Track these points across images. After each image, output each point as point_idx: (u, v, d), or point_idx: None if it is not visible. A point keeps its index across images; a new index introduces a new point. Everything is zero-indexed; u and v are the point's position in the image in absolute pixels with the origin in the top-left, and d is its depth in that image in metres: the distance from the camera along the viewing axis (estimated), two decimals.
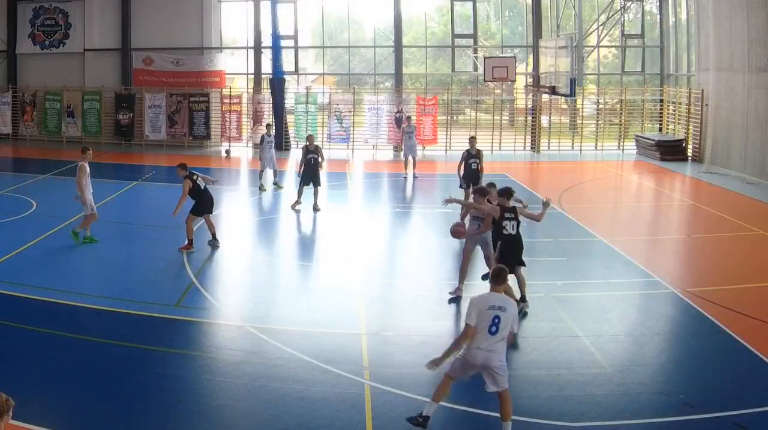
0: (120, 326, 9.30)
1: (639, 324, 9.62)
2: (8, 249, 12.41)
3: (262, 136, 19.20)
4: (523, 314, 9.59)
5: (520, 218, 9.92)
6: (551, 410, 7.19)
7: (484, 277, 10.78)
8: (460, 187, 15.81)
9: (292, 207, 16.02)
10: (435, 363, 6.59)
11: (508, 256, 9.60)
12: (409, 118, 23.02)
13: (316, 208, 15.83)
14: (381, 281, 11.66)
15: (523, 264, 9.91)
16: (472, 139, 16.22)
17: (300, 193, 16.16)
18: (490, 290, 6.71)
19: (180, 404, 7.28)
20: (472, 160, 15.61)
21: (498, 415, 6.70)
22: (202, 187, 12.88)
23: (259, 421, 7.18)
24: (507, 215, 9.75)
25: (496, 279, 6.72)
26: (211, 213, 13.12)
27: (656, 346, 8.98)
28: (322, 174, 16.44)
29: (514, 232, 9.77)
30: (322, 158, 16.39)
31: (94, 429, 6.83)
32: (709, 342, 9.06)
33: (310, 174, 16.05)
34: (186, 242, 12.71)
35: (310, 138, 16.82)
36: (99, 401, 7.24)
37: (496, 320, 6.41)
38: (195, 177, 12.88)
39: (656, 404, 7.32)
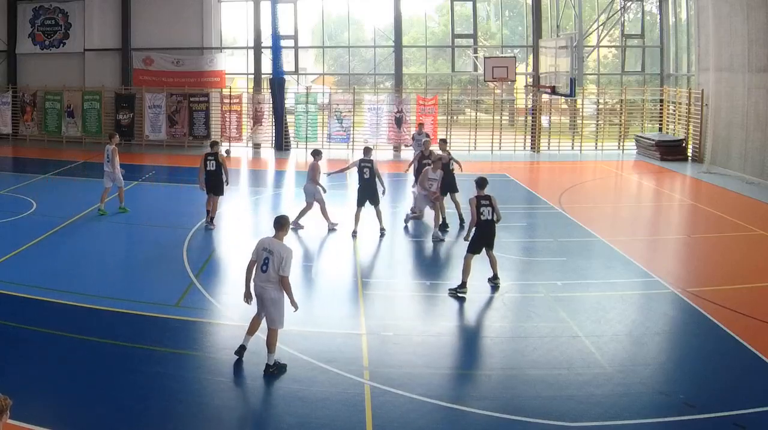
0: (120, 326, 9.29)
1: (639, 324, 9.62)
2: (8, 249, 12.41)
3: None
4: (494, 288, 10.83)
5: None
6: (551, 410, 7.19)
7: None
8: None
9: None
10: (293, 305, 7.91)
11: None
12: (420, 124, 20.66)
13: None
14: (380, 281, 11.65)
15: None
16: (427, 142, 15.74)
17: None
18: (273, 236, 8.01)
19: (180, 404, 7.28)
20: (425, 160, 14.78)
21: (497, 415, 6.71)
22: (206, 168, 14.39)
23: (259, 421, 7.19)
24: (483, 201, 10.59)
25: (276, 228, 8.01)
26: (215, 194, 14.46)
27: (656, 346, 8.98)
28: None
29: (490, 217, 10.59)
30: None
31: (93, 429, 6.84)
32: (709, 342, 9.06)
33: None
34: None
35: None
36: (99, 401, 7.25)
37: (267, 260, 7.74)
38: (210, 158, 14.44)
39: (656, 404, 7.32)
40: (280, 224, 8.01)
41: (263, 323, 8.16)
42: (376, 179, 14.14)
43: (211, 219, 14.49)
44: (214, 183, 14.51)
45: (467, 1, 27.78)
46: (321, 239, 13.90)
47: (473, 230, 10.68)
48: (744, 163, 20.53)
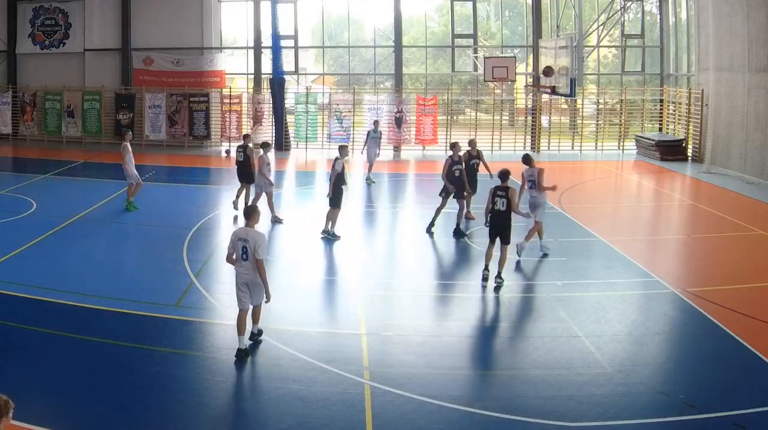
0: (120, 326, 9.30)
1: (639, 324, 9.62)
2: (8, 249, 12.41)
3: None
4: (496, 288, 10.88)
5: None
6: (551, 410, 7.19)
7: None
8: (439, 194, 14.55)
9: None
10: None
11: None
12: (376, 122, 21.46)
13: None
14: (380, 281, 11.65)
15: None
16: (455, 145, 14.79)
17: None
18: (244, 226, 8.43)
19: (180, 404, 7.29)
20: (456, 166, 14.35)
21: (497, 415, 6.71)
22: (237, 159, 15.88)
23: (259, 421, 7.18)
24: (498, 192, 11.02)
25: (245, 217, 8.49)
26: (247, 182, 15.48)
27: (656, 346, 8.98)
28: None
29: (503, 208, 10.93)
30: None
31: (93, 429, 6.84)
32: (709, 342, 9.06)
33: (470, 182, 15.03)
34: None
35: (472, 143, 15.60)
36: (99, 401, 7.25)
37: (244, 249, 8.14)
38: (239, 150, 15.79)
39: (656, 404, 7.33)
40: (249, 213, 8.47)
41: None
42: (338, 180, 13.61)
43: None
44: (243, 173, 15.64)
45: (467, 1, 27.78)
46: (320, 239, 13.88)
47: (488, 218, 11.26)
48: (744, 163, 20.53)
